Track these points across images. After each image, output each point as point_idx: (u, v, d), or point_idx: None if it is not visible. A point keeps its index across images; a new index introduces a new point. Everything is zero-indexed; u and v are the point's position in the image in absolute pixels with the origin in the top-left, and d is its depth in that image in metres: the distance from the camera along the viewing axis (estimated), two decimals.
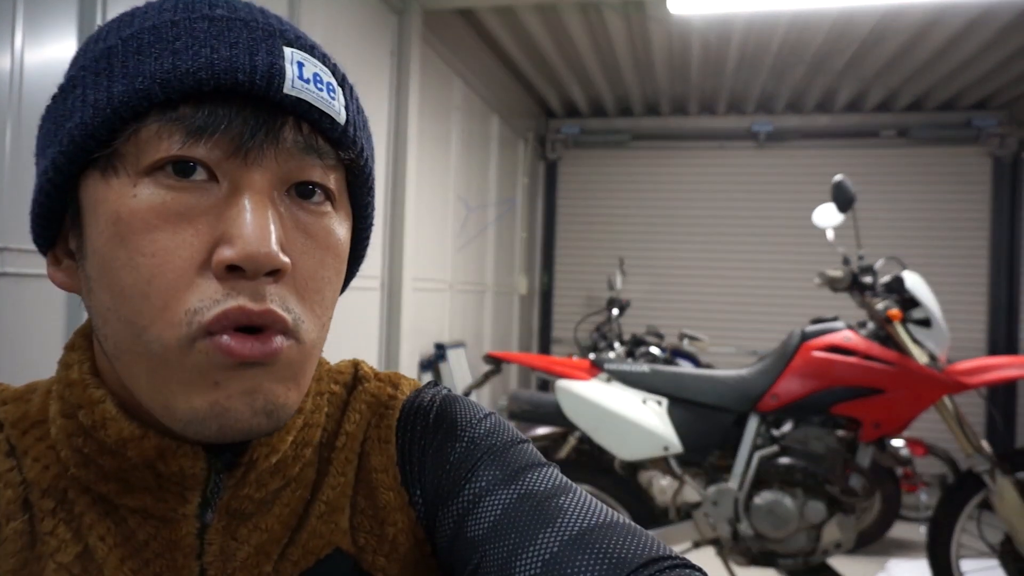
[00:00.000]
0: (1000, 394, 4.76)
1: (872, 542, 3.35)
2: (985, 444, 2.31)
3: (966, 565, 2.40)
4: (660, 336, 4.33)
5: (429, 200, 3.57)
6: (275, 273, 0.41)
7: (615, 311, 4.48)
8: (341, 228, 0.47)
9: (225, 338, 0.40)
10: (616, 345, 4.05)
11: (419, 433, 0.53)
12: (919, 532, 2.55)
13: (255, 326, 0.41)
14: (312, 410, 0.51)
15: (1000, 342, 4.82)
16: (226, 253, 0.40)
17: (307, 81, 0.42)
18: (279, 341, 0.41)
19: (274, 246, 0.40)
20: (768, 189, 5.24)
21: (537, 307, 5.63)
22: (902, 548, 3.40)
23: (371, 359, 3.03)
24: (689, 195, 5.39)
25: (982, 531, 2.35)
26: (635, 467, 2.44)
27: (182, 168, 0.40)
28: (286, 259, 0.41)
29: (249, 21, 0.42)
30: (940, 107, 4.98)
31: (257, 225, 0.40)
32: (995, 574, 2.35)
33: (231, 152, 0.41)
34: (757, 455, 2.34)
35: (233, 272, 0.40)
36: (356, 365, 0.58)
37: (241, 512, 0.47)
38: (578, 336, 4.98)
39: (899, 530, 3.44)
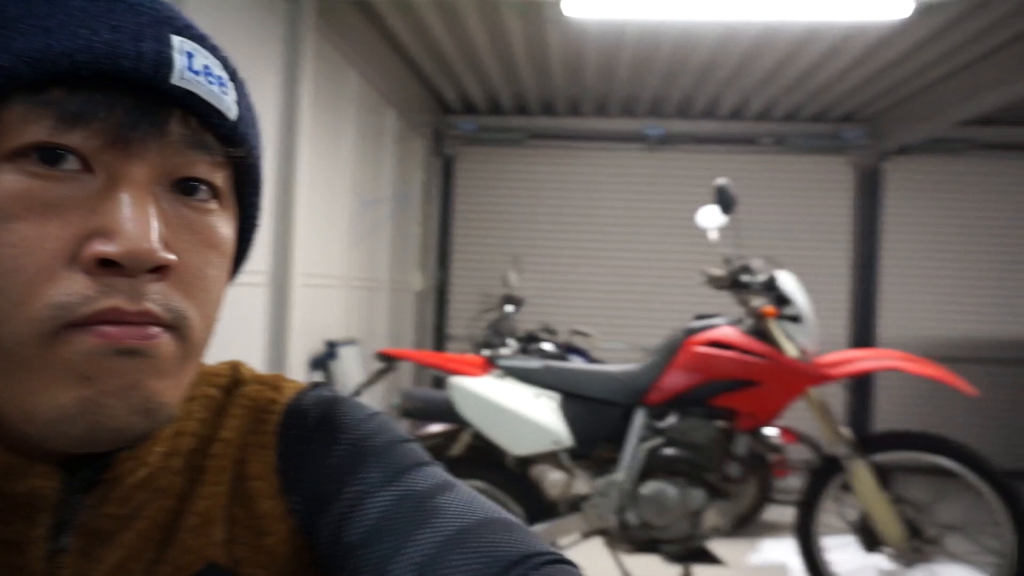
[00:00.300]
0: (859, 384, 5.19)
1: (746, 525, 3.57)
2: (845, 431, 2.51)
3: (827, 542, 2.60)
4: (553, 332, 4.42)
5: (322, 194, 3.47)
6: (158, 270, 0.38)
7: (510, 308, 4.53)
8: (227, 227, 0.45)
9: (97, 327, 0.37)
10: (510, 341, 4.09)
11: (300, 437, 0.50)
12: (788, 514, 2.76)
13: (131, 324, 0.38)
14: (183, 416, 0.49)
15: (860, 336, 5.25)
16: (103, 248, 0.37)
17: (197, 73, 0.40)
18: (158, 330, 0.39)
19: (157, 242, 0.38)
20: (657, 190, 5.46)
21: (432, 304, 5.61)
22: (773, 529, 3.64)
23: (257, 357, 2.92)
24: (582, 194, 5.52)
25: (841, 510, 2.56)
26: (527, 462, 2.48)
27: (51, 156, 0.37)
28: (170, 256, 0.38)
29: (134, 4, 0.40)
30: (812, 118, 5.35)
31: (138, 219, 0.37)
32: (852, 549, 2.56)
33: (110, 142, 0.38)
34: (643, 447, 2.43)
35: (108, 268, 0.37)
36: (235, 367, 0.55)
37: (101, 531, 0.44)
38: (473, 333, 5.00)
39: (771, 513, 3.68)
